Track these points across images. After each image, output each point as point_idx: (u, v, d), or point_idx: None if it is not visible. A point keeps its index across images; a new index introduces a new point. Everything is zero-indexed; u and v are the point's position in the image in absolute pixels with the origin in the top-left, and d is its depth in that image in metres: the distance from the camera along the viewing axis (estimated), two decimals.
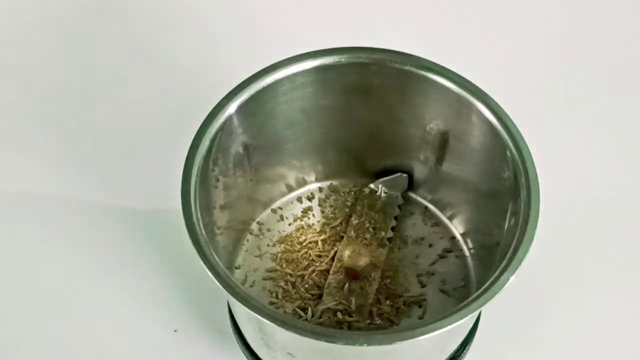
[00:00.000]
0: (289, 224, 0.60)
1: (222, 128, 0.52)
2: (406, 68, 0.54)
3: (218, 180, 0.54)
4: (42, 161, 0.66)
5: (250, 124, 0.55)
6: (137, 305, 0.60)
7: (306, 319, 0.55)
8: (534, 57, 0.72)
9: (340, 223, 0.60)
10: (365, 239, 0.58)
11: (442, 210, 0.60)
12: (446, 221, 0.60)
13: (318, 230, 0.59)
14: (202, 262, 0.47)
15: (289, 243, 0.59)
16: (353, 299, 0.55)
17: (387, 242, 0.58)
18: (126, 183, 0.65)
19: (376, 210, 0.59)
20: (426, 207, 0.61)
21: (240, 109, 0.53)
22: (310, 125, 0.58)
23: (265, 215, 0.60)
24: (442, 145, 0.57)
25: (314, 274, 0.57)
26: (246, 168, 0.57)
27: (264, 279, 0.57)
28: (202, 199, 0.50)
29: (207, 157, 0.51)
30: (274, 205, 0.61)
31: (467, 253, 0.59)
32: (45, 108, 0.69)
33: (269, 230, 0.60)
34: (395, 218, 0.59)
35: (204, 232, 0.48)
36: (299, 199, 0.61)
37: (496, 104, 0.53)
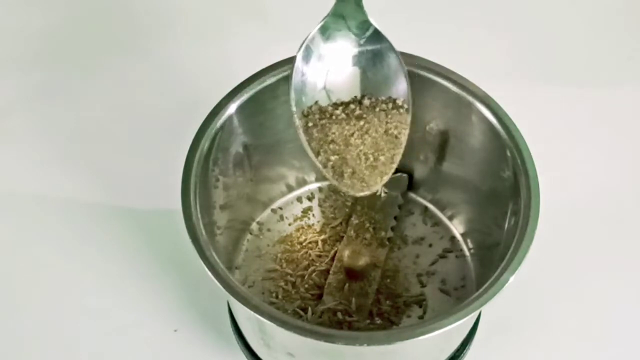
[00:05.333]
0: (289, 224, 0.60)
1: (222, 128, 0.52)
2: (406, 68, 0.54)
3: (218, 180, 0.54)
4: (42, 161, 0.66)
5: (250, 124, 0.55)
6: (137, 305, 0.60)
7: (306, 319, 0.55)
8: (534, 57, 0.72)
9: (340, 223, 0.60)
10: (365, 239, 0.58)
11: (442, 210, 0.60)
12: (446, 221, 0.60)
13: (318, 230, 0.59)
14: (202, 262, 0.47)
15: (289, 243, 0.59)
16: (353, 299, 0.55)
17: (387, 242, 0.58)
18: (126, 183, 0.65)
19: (376, 210, 0.59)
20: (426, 207, 0.61)
21: (240, 109, 0.53)
22: None
23: (265, 215, 0.60)
24: (442, 145, 0.57)
25: (314, 274, 0.57)
26: (246, 168, 0.57)
27: (264, 279, 0.57)
28: (202, 199, 0.50)
29: (207, 157, 0.51)
30: (274, 205, 0.61)
31: (467, 253, 0.59)
32: (45, 108, 0.69)
33: (269, 230, 0.60)
34: (395, 218, 0.59)
35: (204, 232, 0.48)
36: (299, 199, 0.61)
37: (496, 104, 0.53)
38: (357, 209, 0.59)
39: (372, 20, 0.51)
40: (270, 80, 0.54)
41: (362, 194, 0.50)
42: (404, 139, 0.51)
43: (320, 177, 0.61)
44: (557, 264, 0.61)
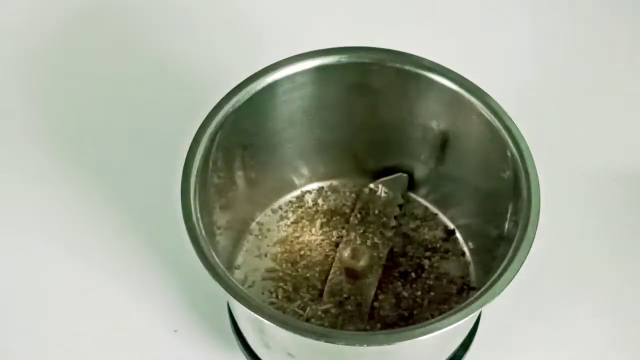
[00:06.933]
0: (289, 224, 0.60)
1: (221, 128, 0.52)
2: (406, 68, 0.54)
3: (218, 180, 0.54)
4: (41, 161, 0.66)
5: (249, 124, 0.55)
6: (137, 305, 0.60)
7: (306, 319, 0.55)
8: (534, 57, 0.72)
9: (341, 223, 0.59)
10: (366, 238, 0.58)
11: (442, 210, 0.60)
12: (446, 221, 0.60)
13: (318, 230, 0.59)
14: (202, 262, 0.47)
15: (289, 243, 0.59)
16: (353, 299, 0.55)
17: (387, 242, 0.58)
18: (126, 183, 0.65)
19: (376, 210, 0.59)
20: (426, 207, 0.61)
21: (240, 108, 0.53)
22: (310, 125, 0.58)
23: (265, 215, 0.60)
24: (442, 145, 0.57)
25: (314, 274, 0.57)
26: (246, 168, 0.57)
27: (263, 279, 0.57)
28: (202, 199, 0.50)
29: (206, 157, 0.51)
30: (274, 205, 0.61)
31: (467, 253, 0.59)
32: (44, 108, 0.69)
33: (269, 230, 0.60)
34: (395, 218, 0.59)
35: (203, 232, 0.48)
36: (299, 199, 0.61)
37: (496, 104, 0.53)
38: (357, 209, 0.59)
39: None
40: (270, 80, 0.54)
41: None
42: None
43: (321, 177, 0.61)
44: (557, 264, 0.61)
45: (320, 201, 0.61)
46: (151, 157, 0.66)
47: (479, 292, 0.47)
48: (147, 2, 0.75)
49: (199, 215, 0.49)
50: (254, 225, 0.60)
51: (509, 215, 0.52)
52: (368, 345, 0.45)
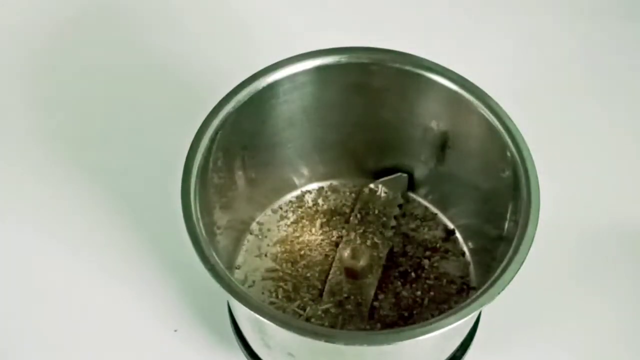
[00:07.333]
0: (289, 224, 0.60)
1: (222, 128, 0.52)
2: (406, 68, 0.54)
3: (218, 180, 0.54)
4: (42, 161, 0.66)
5: (250, 124, 0.55)
6: (137, 305, 0.60)
7: (306, 319, 0.55)
8: (534, 57, 0.72)
9: (341, 223, 0.60)
10: (366, 238, 0.58)
11: (442, 210, 0.60)
12: (446, 221, 0.60)
13: (318, 230, 0.59)
14: (202, 262, 0.47)
15: (289, 243, 0.59)
16: (353, 298, 0.55)
17: (387, 242, 0.58)
18: (126, 183, 0.65)
19: (376, 210, 0.59)
20: (426, 207, 0.61)
21: (240, 108, 0.53)
22: (310, 125, 0.58)
23: (265, 215, 0.60)
24: (442, 145, 0.57)
25: (314, 274, 0.57)
26: (246, 168, 0.57)
27: (264, 279, 0.57)
28: (202, 199, 0.50)
29: (206, 157, 0.51)
30: (274, 205, 0.61)
31: (467, 253, 0.59)
32: (44, 108, 0.69)
33: (269, 230, 0.60)
34: (395, 218, 0.59)
35: (204, 232, 0.48)
36: (299, 199, 0.61)
37: (496, 104, 0.53)
38: (357, 209, 0.59)
39: None
40: (270, 80, 0.54)
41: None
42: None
43: (321, 177, 0.61)
44: (558, 264, 0.61)
45: (320, 201, 0.61)
46: (151, 157, 0.66)
47: (479, 292, 0.47)
48: (147, 2, 0.75)
49: (199, 215, 0.49)
50: (254, 225, 0.60)
51: (508, 215, 0.52)
52: (368, 345, 0.45)
